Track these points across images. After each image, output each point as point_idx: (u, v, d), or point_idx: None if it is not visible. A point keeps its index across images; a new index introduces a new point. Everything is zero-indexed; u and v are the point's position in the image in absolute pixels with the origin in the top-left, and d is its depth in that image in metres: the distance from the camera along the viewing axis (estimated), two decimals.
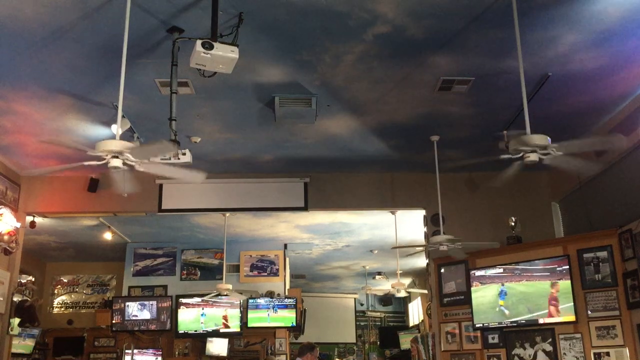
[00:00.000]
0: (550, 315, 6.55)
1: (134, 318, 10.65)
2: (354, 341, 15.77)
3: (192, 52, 4.06)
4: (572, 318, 6.42)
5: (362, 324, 16.32)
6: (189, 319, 10.65)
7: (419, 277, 13.46)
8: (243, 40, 4.45)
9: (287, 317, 10.79)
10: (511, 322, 6.83)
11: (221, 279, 10.29)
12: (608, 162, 6.40)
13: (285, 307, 10.84)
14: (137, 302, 10.75)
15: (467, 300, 7.25)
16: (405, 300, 15.74)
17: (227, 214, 9.14)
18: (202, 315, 10.67)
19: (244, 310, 10.72)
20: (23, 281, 8.90)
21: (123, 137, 4.53)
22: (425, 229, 7.94)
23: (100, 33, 4.60)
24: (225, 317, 10.66)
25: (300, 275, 13.95)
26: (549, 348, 6.56)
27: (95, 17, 4.39)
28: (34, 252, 10.96)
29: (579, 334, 6.38)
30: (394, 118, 6.31)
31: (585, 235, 6.62)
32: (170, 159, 5.30)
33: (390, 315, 16.77)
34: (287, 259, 11.72)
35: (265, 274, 11.32)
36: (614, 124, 6.20)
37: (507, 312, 6.88)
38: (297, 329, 11.35)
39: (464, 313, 7.29)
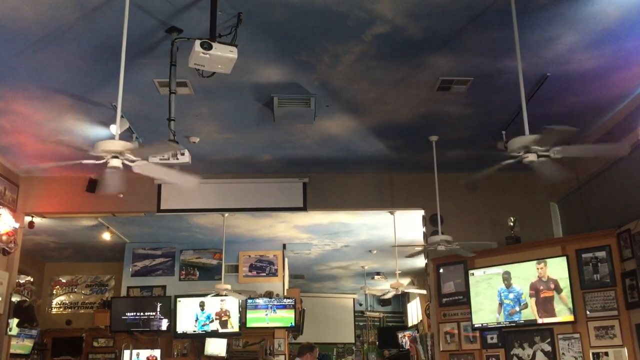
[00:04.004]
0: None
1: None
2: (353, 341, 15.76)
3: (190, 52, 4.05)
4: (570, 318, 6.42)
5: (361, 324, 16.32)
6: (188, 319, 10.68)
7: (418, 277, 13.47)
8: (242, 41, 4.45)
9: (285, 318, 10.79)
10: (510, 322, 6.84)
11: (220, 279, 10.29)
12: (604, 163, 6.41)
13: (284, 307, 10.83)
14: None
15: (466, 300, 7.25)
16: (404, 301, 15.75)
17: (226, 214, 9.14)
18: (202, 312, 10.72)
19: (243, 310, 10.71)
20: (22, 281, 8.90)
21: (122, 137, 4.52)
22: (424, 229, 7.94)
23: (99, 33, 4.60)
24: (219, 314, 10.67)
25: (299, 276, 13.94)
26: (547, 348, 6.57)
27: (94, 17, 4.39)
28: (33, 252, 10.94)
29: (577, 334, 6.39)
30: (393, 118, 6.31)
31: (583, 236, 6.63)
32: (169, 159, 5.30)
33: (389, 315, 16.76)
34: (286, 259, 11.72)
35: (264, 274, 11.31)
36: (613, 124, 6.21)
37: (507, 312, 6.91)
38: (295, 329, 11.34)
39: (463, 313, 7.29)
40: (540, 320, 6.64)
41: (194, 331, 10.63)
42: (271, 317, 10.75)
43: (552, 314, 6.57)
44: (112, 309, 10.83)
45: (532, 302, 6.73)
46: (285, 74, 5.34)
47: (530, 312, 6.72)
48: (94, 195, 7.72)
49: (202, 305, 10.63)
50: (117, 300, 11.00)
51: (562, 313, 6.48)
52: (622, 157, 6.10)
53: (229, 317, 10.62)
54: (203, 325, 10.62)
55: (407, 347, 12.87)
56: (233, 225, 9.92)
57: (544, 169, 4.31)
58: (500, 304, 6.94)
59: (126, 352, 10.75)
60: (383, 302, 16.58)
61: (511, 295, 6.88)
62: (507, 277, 6.94)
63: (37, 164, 7.29)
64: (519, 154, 4.18)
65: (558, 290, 6.55)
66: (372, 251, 11.79)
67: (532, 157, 4.15)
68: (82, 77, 5.30)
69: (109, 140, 4.01)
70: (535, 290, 6.72)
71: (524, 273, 6.84)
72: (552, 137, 4.04)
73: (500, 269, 7.03)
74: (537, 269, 6.74)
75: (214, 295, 10.02)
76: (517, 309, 6.80)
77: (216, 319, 10.63)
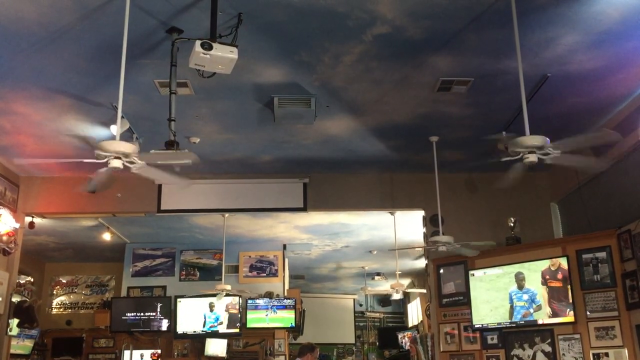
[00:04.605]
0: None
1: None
2: (353, 342, 15.77)
3: (191, 53, 4.05)
4: (571, 319, 6.42)
5: (361, 324, 16.33)
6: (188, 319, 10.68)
7: (418, 277, 13.47)
8: (242, 41, 4.45)
9: (286, 318, 10.79)
10: (510, 323, 6.84)
11: (220, 279, 10.30)
12: (611, 160, 6.37)
13: (284, 307, 10.84)
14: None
15: (466, 301, 7.25)
16: (404, 301, 15.75)
17: (226, 215, 9.14)
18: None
19: (243, 310, 10.72)
20: (22, 282, 8.91)
21: (122, 137, 4.52)
22: (424, 230, 7.94)
23: (100, 34, 4.60)
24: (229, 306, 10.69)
25: (299, 276, 13.95)
26: (548, 349, 6.57)
27: (94, 18, 4.39)
28: (33, 252, 10.94)
29: (578, 335, 6.38)
30: (393, 118, 6.31)
31: (584, 236, 6.63)
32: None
33: (389, 315, 16.77)
34: (286, 260, 11.72)
35: (265, 274, 11.32)
36: (613, 124, 6.20)
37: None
38: (296, 330, 11.35)
39: (463, 314, 7.29)
40: (540, 321, 6.64)
41: (195, 332, 10.64)
42: (271, 318, 10.75)
43: (565, 306, 6.48)
44: (113, 309, 10.83)
45: (543, 291, 6.66)
46: (286, 74, 5.34)
47: (542, 313, 6.63)
48: (94, 195, 7.71)
49: (211, 306, 10.63)
50: (117, 301, 11.01)
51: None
52: (621, 157, 6.09)
53: (237, 310, 10.62)
54: (211, 327, 10.61)
55: (407, 347, 12.87)
56: (233, 225, 9.92)
57: (567, 163, 4.32)
58: (511, 306, 6.89)
59: (126, 353, 10.75)
60: (383, 302, 16.58)
61: (525, 297, 6.79)
62: (521, 278, 6.86)
63: (41, 168, 7.30)
64: (523, 150, 4.17)
65: (569, 281, 6.51)
66: (372, 252, 11.79)
67: (533, 157, 4.15)
68: (83, 78, 5.30)
69: (113, 140, 3.97)
70: (544, 278, 6.71)
71: (527, 273, 6.83)
72: (604, 139, 4.06)
73: (500, 270, 7.02)
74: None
75: (212, 295, 10.00)
76: (532, 310, 6.73)
77: (225, 311, 10.62)
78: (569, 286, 6.48)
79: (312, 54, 5.00)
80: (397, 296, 10.73)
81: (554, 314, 6.57)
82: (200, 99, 5.80)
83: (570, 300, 6.45)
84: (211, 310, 10.65)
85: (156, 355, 10.72)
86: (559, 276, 6.58)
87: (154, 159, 4.13)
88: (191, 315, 10.67)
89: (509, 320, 6.85)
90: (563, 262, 6.60)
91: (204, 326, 10.61)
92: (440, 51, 4.98)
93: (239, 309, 10.65)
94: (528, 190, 7.76)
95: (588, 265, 6.46)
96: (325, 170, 7.84)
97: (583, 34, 4.72)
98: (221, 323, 10.61)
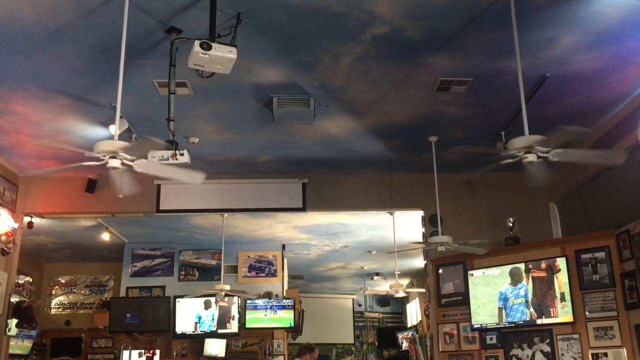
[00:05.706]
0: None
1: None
2: (352, 342, 15.77)
3: (190, 53, 4.05)
4: (570, 319, 6.43)
5: (360, 324, 16.33)
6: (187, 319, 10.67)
7: (417, 277, 13.47)
8: (241, 41, 4.45)
9: (285, 318, 10.79)
10: (509, 323, 6.84)
11: (219, 279, 10.29)
12: (624, 154, 6.33)
13: (284, 307, 10.84)
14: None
15: (465, 300, 7.25)
16: (403, 301, 15.75)
17: (225, 215, 9.13)
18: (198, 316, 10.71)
19: (242, 310, 10.71)
20: (21, 282, 8.90)
21: (121, 137, 4.52)
22: (423, 230, 7.94)
23: (99, 33, 4.59)
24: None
25: (298, 276, 13.95)
26: (547, 349, 6.57)
27: (93, 18, 4.39)
28: (32, 252, 10.94)
29: (576, 335, 6.39)
30: (392, 119, 6.31)
31: (583, 236, 6.63)
32: (168, 159, 5.29)
33: (389, 316, 16.77)
34: (285, 260, 11.72)
35: (264, 274, 11.31)
36: (612, 125, 6.21)
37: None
38: (295, 330, 11.35)
39: (462, 314, 7.29)
40: (539, 321, 6.64)
41: (193, 332, 10.63)
42: (270, 318, 10.75)
43: (551, 298, 6.54)
44: (111, 309, 10.82)
45: (527, 278, 6.72)
46: (285, 74, 5.33)
47: (531, 309, 6.68)
48: (93, 195, 7.72)
49: (207, 304, 10.61)
50: (116, 301, 11.00)
51: (564, 300, 6.45)
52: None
53: (227, 303, 10.57)
54: (213, 328, 10.57)
55: (406, 347, 12.87)
56: (232, 225, 9.91)
57: (536, 171, 4.30)
58: (501, 309, 6.90)
59: (125, 353, 10.74)
60: (382, 302, 16.59)
61: (522, 292, 6.80)
62: (517, 273, 6.84)
63: (39, 168, 7.29)
64: (519, 154, 4.17)
65: (554, 270, 6.56)
66: (371, 252, 11.79)
67: (531, 157, 4.15)
68: (82, 78, 5.30)
69: (105, 140, 3.99)
70: (527, 268, 6.77)
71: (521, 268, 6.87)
72: (565, 136, 4.02)
73: (499, 270, 7.02)
74: None
75: (212, 295, 10.00)
76: (528, 309, 6.73)
77: (215, 303, 10.60)
78: (554, 276, 6.50)
79: (312, 54, 5.00)
80: (401, 294, 10.72)
81: (540, 310, 6.59)
82: (200, 99, 5.80)
83: (558, 291, 6.48)
84: (206, 309, 10.64)
85: (151, 352, 10.69)
86: (543, 266, 6.59)
87: (137, 152, 4.10)
88: (190, 315, 10.66)
89: (506, 321, 6.85)
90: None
91: (195, 328, 10.57)
92: (439, 51, 4.98)
93: (238, 306, 10.63)
94: (527, 191, 7.74)
95: (587, 266, 6.46)
96: (325, 171, 7.84)
97: (582, 34, 4.72)
98: (213, 320, 10.61)
